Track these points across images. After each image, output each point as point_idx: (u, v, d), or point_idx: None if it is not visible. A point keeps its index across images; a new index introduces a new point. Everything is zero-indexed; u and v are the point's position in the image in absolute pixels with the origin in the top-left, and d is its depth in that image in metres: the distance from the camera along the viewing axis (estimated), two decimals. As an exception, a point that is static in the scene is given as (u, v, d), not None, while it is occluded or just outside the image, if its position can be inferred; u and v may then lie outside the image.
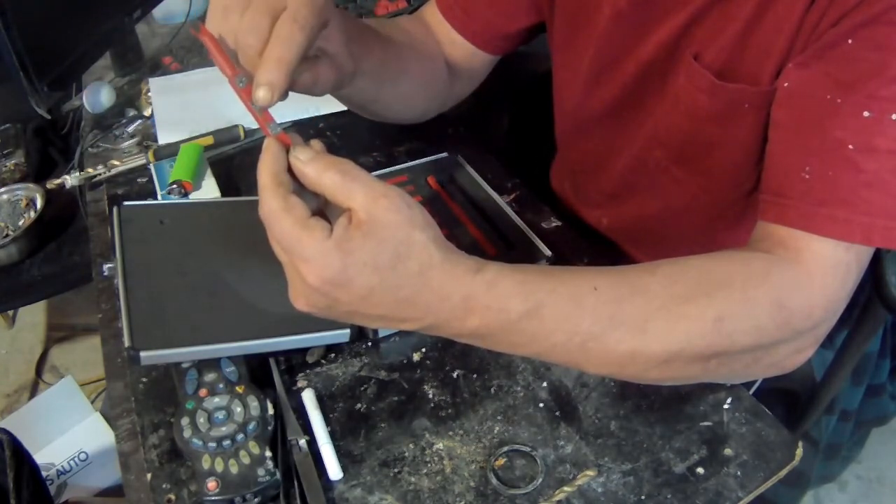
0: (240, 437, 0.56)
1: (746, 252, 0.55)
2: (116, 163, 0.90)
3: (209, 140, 0.91)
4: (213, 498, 0.53)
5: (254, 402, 0.58)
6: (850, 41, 0.51)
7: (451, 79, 0.80)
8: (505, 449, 0.59)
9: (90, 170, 0.89)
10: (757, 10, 0.57)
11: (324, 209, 0.48)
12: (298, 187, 0.47)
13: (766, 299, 0.51)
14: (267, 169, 0.46)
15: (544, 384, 0.63)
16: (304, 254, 0.44)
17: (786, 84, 0.56)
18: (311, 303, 0.47)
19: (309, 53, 0.53)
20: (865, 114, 0.50)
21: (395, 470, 0.58)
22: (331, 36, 0.57)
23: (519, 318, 0.48)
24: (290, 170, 0.47)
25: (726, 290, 0.51)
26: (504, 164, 0.88)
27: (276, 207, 0.45)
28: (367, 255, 0.44)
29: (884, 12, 0.50)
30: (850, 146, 0.51)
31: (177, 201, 0.78)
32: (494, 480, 0.57)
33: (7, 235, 1.09)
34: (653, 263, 0.53)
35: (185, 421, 0.57)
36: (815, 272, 0.52)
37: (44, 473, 0.98)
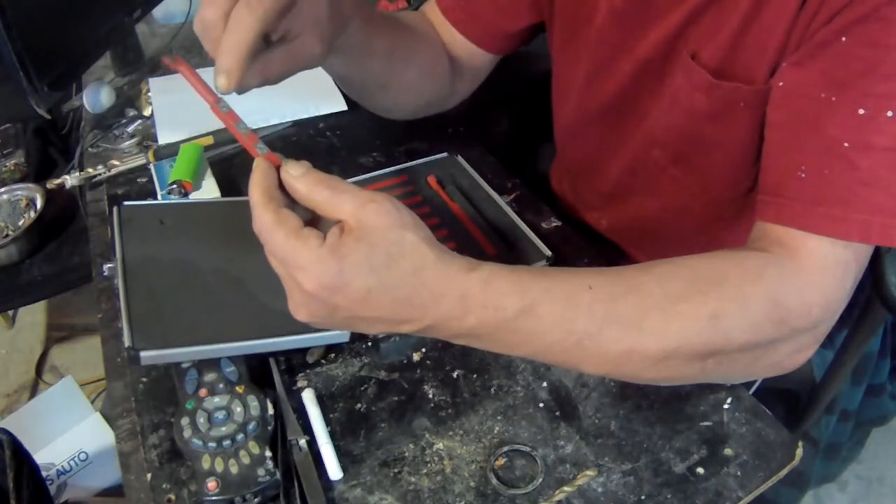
0: (240, 437, 0.56)
1: (742, 251, 0.55)
2: (116, 163, 0.90)
3: (209, 140, 0.91)
4: (213, 498, 0.53)
5: (254, 402, 0.58)
6: (843, 39, 0.51)
7: (452, 77, 0.80)
8: (505, 449, 0.59)
9: (90, 170, 0.89)
10: (752, 8, 0.57)
11: (315, 224, 0.48)
12: (289, 202, 0.48)
13: (762, 297, 0.51)
14: (257, 186, 0.47)
15: (544, 384, 0.63)
16: (299, 262, 0.45)
17: (780, 83, 0.56)
18: (311, 312, 0.48)
19: (273, 37, 0.54)
20: (860, 111, 0.50)
21: (395, 470, 0.58)
22: (301, 16, 0.55)
23: (515, 316, 0.48)
24: (279, 187, 0.48)
25: (721, 287, 0.51)
26: (504, 164, 0.88)
27: (268, 221, 0.46)
28: (362, 257, 0.45)
29: (876, 9, 0.50)
30: (846, 144, 0.51)
31: (177, 201, 0.78)
32: (494, 480, 0.57)
33: (7, 235, 1.09)
34: (648, 263, 0.53)
35: (185, 421, 0.57)
36: (813, 270, 0.52)
37: (44, 473, 0.98)
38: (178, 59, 0.51)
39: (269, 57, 0.54)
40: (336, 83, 0.71)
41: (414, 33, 0.75)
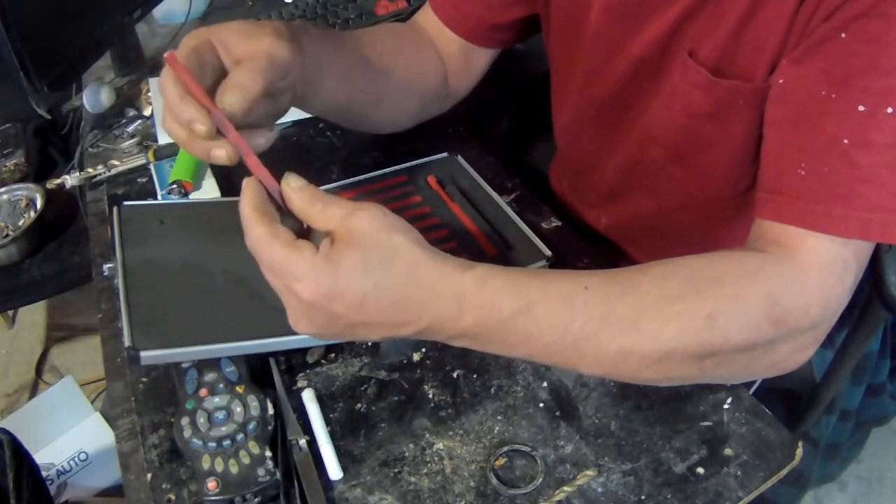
0: (240, 437, 0.56)
1: (740, 251, 0.55)
2: (116, 163, 0.90)
3: (209, 140, 0.91)
4: (213, 498, 0.53)
5: (254, 402, 0.58)
6: (842, 35, 0.51)
7: (448, 77, 0.80)
8: (505, 449, 0.59)
9: (90, 170, 0.89)
10: (750, 5, 0.57)
11: (307, 237, 0.49)
12: (279, 218, 0.49)
13: (759, 296, 0.50)
14: (249, 202, 0.48)
15: (544, 384, 0.63)
16: (295, 273, 0.46)
17: (780, 81, 0.56)
18: (311, 322, 0.48)
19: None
20: (860, 108, 0.50)
21: (395, 470, 0.58)
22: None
23: (511, 315, 0.48)
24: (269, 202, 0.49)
25: (718, 287, 0.51)
26: (504, 164, 0.88)
27: (262, 234, 0.47)
28: (355, 261, 0.46)
29: (875, 5, 0.49)
30: (845, 141, 0.51)
31: (177, 201, 0.78)
32: (494, 480, 0.57)
33: (7, 235, 1.09)
34: (645, 264, 0.53)
35: (185, 421, 0.57)
36: (811, 269, 0.52)
37: (44, 473, 0.98)
38: (179, 64, 0.51)
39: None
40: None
41: (382, 38, 0.75)
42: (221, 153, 0.52)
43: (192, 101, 0.51)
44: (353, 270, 0.46)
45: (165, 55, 0.51)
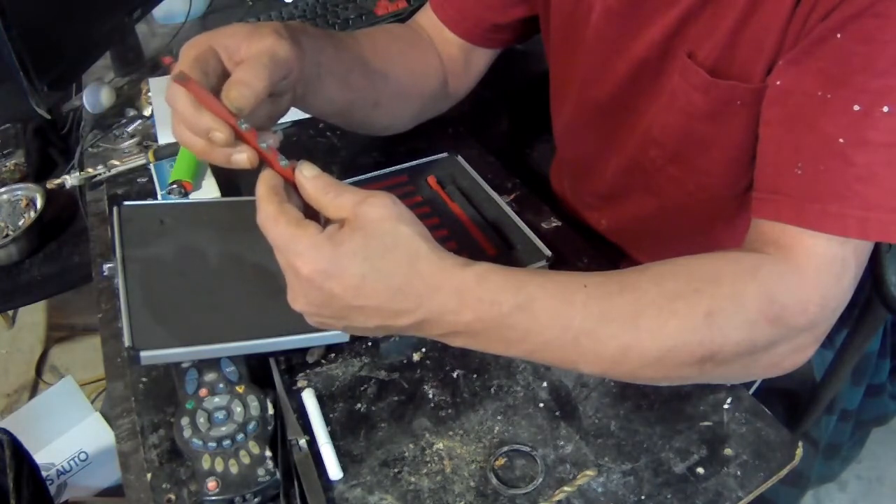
0: (240, 436, 0.56)
1: (737, 251, 0.55)
2: (116, 163, 0.90)
3: (209, 140, 0.91)
4: (213, 498, 0.53)
5: (254, 402, 0.58)
6: (838, 35, 0.51)
7: (448, 78, 0.81)
8: (505, 449, 0.59)
9: (90, 170, 0.89)
10: (748, 6, 0.57)
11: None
12: (293, 202, 0.50)
13: (756, 294, 0.51)
14: (265, 183, 0.50)
15: (544, 384, 0.64)
16: (298, 249, 0.47)
17: (778, 82, 0.56)
18: (308, 300, 0.49)
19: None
20: (855, 108, 0.50)
21: (395, 470, 0.58)
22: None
23: (511, 311, 0.49)
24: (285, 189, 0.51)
25: (715, 286, 0.51)
26: (504, 164, 0.88)
27: (271, 211, 0.48)
28: (357, 245, 0.47)
29: (871, 5, 0.49)
30: (841, 140, 0.51)
31: (177, 201, 0.78)
32: (494, 480, 0.57)
33: (7, 235, 1.09)
34: (644, 265, 0.54)
35: (185, 421, 0.57)
36: (808, 268, 0.52)
37: (44, 473, 0.98)
38: (191, 80, 0.50)
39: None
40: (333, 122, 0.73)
41: (382, 39, 0.75)
42: (242, 157, 0.52)
43: (208, 111, 0.51)
44: (354, 253, 0.47)
45: (172, 76, 0.50)
